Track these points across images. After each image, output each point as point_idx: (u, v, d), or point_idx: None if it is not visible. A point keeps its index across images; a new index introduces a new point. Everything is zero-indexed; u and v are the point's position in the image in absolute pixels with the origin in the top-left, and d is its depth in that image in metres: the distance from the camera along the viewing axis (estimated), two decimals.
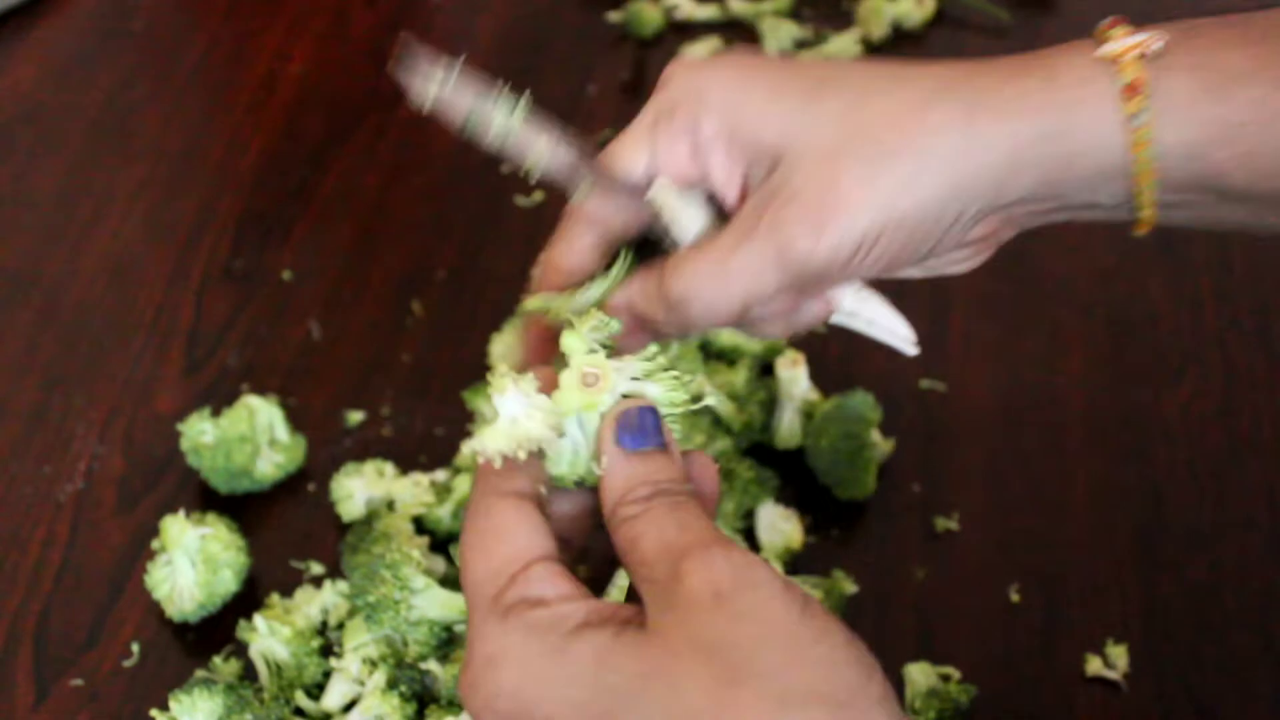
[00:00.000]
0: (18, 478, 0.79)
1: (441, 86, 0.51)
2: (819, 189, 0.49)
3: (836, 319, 0.55)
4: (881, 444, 0.77)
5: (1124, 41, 0.48)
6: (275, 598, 0.72)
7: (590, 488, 0.49)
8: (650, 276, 0.52)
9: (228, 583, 0.72)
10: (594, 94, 1.01)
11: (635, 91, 1.01)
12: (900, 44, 1.04)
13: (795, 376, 0.78)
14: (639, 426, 0.47)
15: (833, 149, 0.49)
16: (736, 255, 0.50)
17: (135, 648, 0.72)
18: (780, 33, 1.03)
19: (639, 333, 0.53)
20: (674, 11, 1.06)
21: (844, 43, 1.02)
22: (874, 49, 1.03)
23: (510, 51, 1.05)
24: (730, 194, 0.53)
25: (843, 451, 0.75)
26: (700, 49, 1.01)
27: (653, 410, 0.47)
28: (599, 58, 1.04)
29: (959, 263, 0.54)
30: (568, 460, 0.48)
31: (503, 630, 0.44)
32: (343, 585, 0.72)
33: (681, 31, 1.05)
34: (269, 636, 0.69)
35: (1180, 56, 0.48)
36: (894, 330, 0.56)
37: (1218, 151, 0.48)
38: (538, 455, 0.48)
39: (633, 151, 0.53)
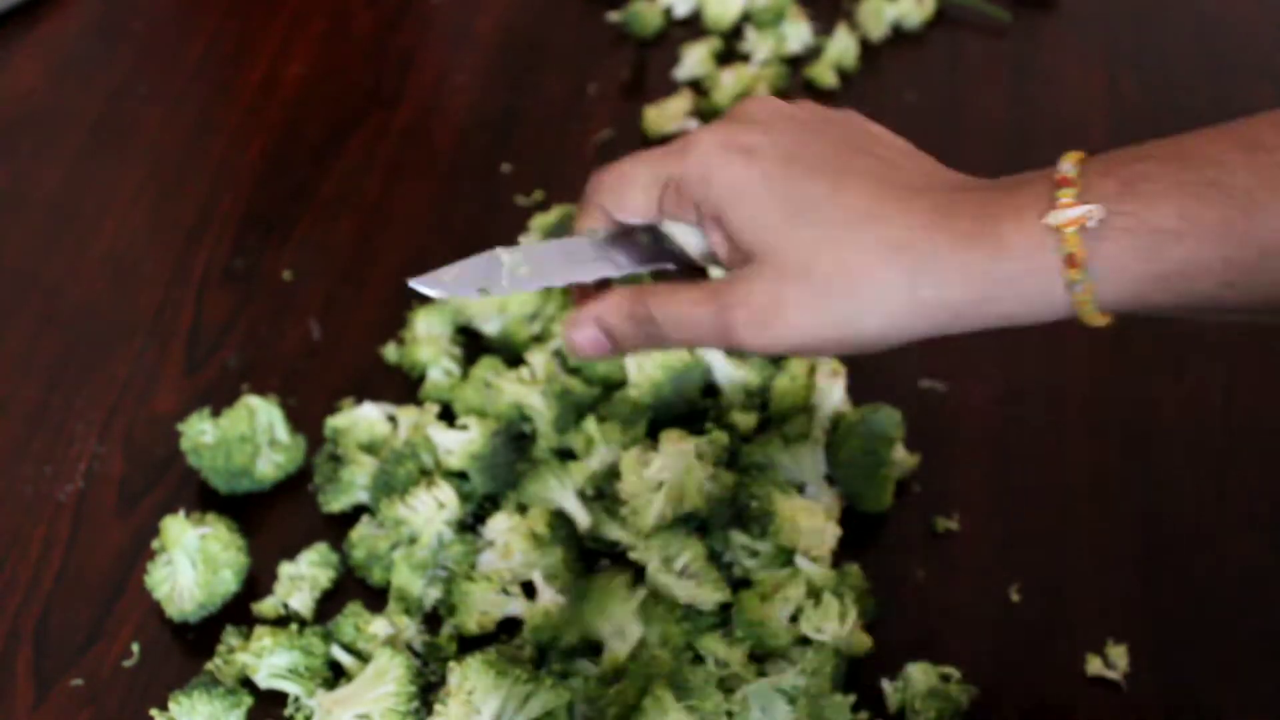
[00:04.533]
0: (18, 478, 0.79)
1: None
2: (768, 302, 0.55)
3: None
4: (906, 459, 0.77)
5: (1068, 214, 0.52)
6: (269, 602, 0.73)
7: None
8: (628, 294, 0.59)
9: (228, 583, 0.72)
10: (594, 94, 1.01)
11: (635, 91, 1.01)
12: (900, 44, 1.04)
13: (830, 388, 0.77)
14: None
15: (792, 273, 0.55)
16: (694, 314, 0.57)
17: (135, 648, 0.72)
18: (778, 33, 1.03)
19: (601, 339, 0.60)
20: (674, 11, 1.06)
21: (843, 43, 1.02)
22: (873, 49, 1.03)
23: (510, 51, 1.05)
24: (720, 252, 0.59)
25: (860, 466, 0.74)
26: (700, 50, 1.01)
27: None
28: (599, 58, 1.04)
29: None
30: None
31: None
32: (315, 554, 0.73)
33: (681, 31, 1.05)
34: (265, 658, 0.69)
35: (1117, 221, 0.52)
36: None
37: (1153, 297, 0.53)
38: None
39: (641, 199, 0.60)
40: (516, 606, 0.71)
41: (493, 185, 0.95)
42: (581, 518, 0.74)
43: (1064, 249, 0.52)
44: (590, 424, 0.76)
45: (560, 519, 0.73)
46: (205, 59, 1.05)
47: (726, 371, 0.78)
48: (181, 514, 0.72)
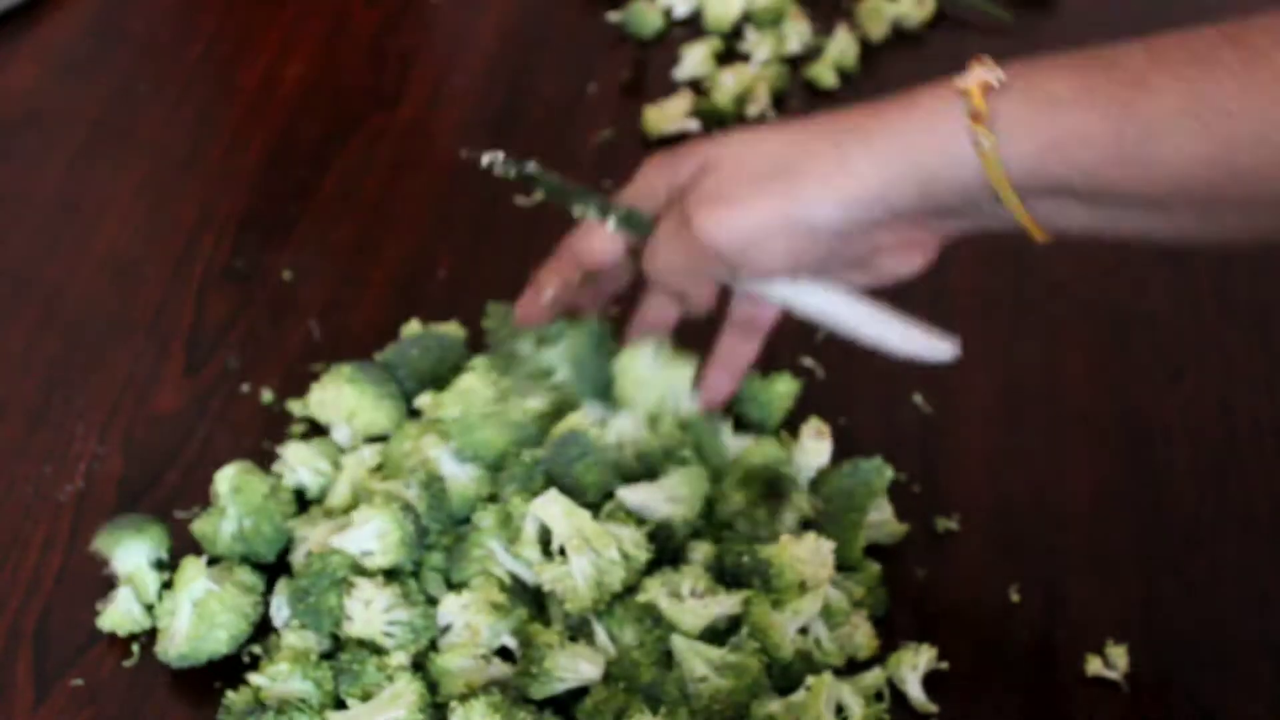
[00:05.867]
0: (18, 478, 0.79)
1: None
2: (720, 193, 0.63)
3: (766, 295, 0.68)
4: (890, 524, 0.74)
5: (973, 75, 0.58)
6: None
7: None
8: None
9: (219, 642, 0.70)
10: (594, 94, 1.01)
11: (635, 91, 1.01)
12: (900, 44, 1.04)
13: (818, 449, 0.75)
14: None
15: (735, 167, 0.63)
16: (660, 235, 0.66)
17: (135, 648, 0.72)
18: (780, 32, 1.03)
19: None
20: (674, 11, 1.06)
21: (843, 43, 1.02)
22: (873, 49, 1.03)
23: (510, 51, 1.05)
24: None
25: (839, 506, 0.72)
26: (699, 50, 1.01)
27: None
28: (599, 58, 1.04)
29: (897, 267, 0.66)
30: None
31: None
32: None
33: (681, 31, 1.05)
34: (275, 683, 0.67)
35: (1017, 84, 0.58)
36: (891, 339, 0.68)
37: (1052, 165, 0.57)
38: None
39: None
40: (497, 669, 0.68)
41: (493, 185, 0.95)
42: (530, 577, 0.70)
43: (969, 105, 0.57)
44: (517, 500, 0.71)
45: (514, 580, 0.70)
46: (205, 59, 1.05)
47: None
48: (204, 559, 0.70)
